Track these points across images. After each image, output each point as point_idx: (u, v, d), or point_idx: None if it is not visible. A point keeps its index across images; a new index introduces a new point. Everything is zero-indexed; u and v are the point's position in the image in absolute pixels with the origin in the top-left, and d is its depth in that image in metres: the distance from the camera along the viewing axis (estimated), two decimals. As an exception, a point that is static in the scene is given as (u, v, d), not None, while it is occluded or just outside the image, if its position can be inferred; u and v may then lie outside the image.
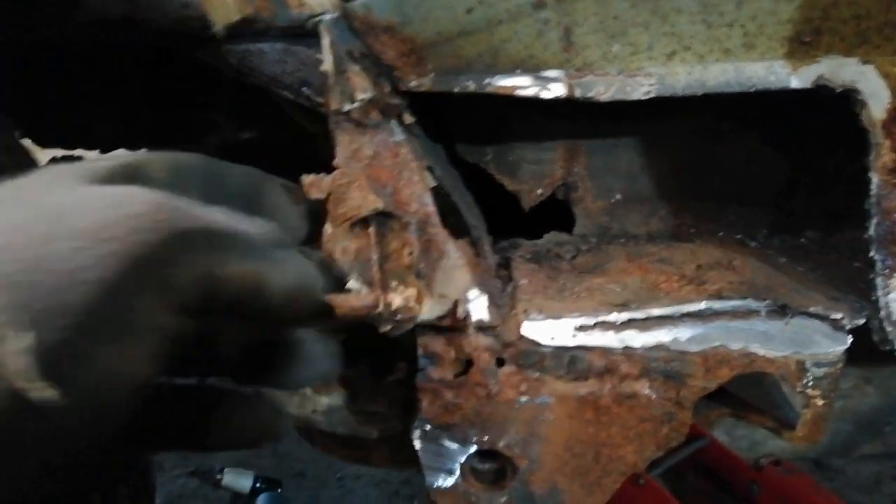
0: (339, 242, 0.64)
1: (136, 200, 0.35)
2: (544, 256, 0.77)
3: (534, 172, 0.78)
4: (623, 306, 0.65)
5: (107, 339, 0.34)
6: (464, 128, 0.79)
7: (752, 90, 0.63)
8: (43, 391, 0.31)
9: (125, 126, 1.70)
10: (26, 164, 0.81)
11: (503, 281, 0.71)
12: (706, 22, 0.61)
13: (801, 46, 0.62)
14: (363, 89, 0.61)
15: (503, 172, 0.79)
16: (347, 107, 0.61)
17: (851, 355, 0.66)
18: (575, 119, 0.76)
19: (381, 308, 0.62)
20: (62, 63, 1.46)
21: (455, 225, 0.71)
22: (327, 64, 0.60)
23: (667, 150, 0.78)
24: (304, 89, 1.15)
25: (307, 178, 0.64)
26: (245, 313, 0.40)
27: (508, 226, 0.82)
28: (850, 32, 0.61)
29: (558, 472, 0.68)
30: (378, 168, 0.64)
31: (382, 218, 0.63)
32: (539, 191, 0.79)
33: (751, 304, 0.65)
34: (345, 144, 0.64)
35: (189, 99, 1.67)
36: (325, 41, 0.60)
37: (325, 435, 0.77)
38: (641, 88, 0.63)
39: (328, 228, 0.65)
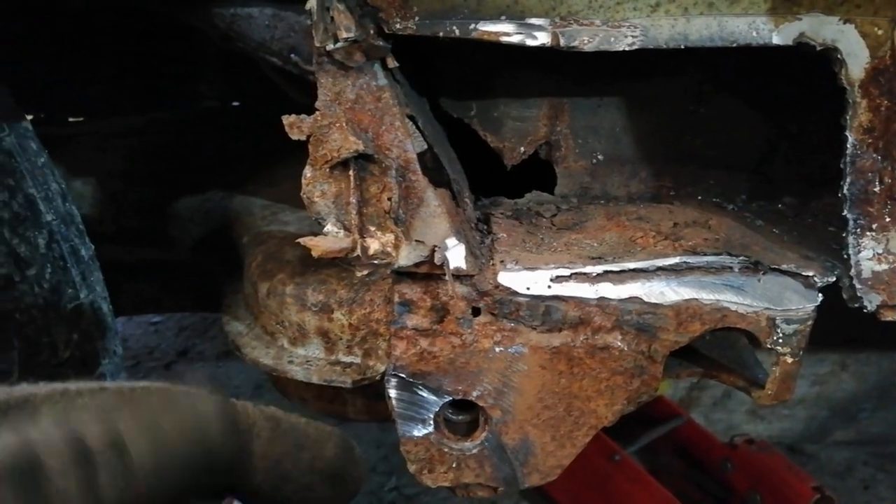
0: (319, 185, 0.64)
1: None
2: (524, 214, 0.77)
3: (517, 130, 0.78)
4: (599, 259, 0.66)
5: None
6: (449, 81, 0.79)
7: (734, 45, 0.63)
8: None
9: (115, 91, 1.68)
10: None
11: (482, 234, 0.71)
12: (691, -26, 0.61)
13: (784, 3, 0.62)
14: (347, 28, 0.60)
15: (487, 129, 0.79)
16: (331, 46, 0.61)
17: (827, 341, 0.67)
18: (560, 76, 0.76)
19: (357, 252, 0.63)
20: (54, 26, 1.44)
21: (436, 176, 0.71)
22: (312, 1, 0.60)
23: (649, 112, 0.79)
24: (292, 56, 1.15)
25: (288, 118, 0.64)
26: None
27: (492, 186, 0.82)
28: (832, -9, 0.61)
29: (530, 424, 0.68)
30: (360, 112, 0.64)
31: (363, 161, 0.63)
32: (522, 149, 0.79)
33: (725, 259, 0.65)
34: (327, 86, 0.63)
35: (176, 69, 1.66)
36: (310, -22, 0.59)
37: (300, 386, 0.77)
38: (625, 40, 0.63)
39: (308, 171, 0.64)
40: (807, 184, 0.79)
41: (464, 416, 0.70)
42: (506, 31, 0.63)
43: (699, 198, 0.80)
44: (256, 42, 1.19)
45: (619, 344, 0.65)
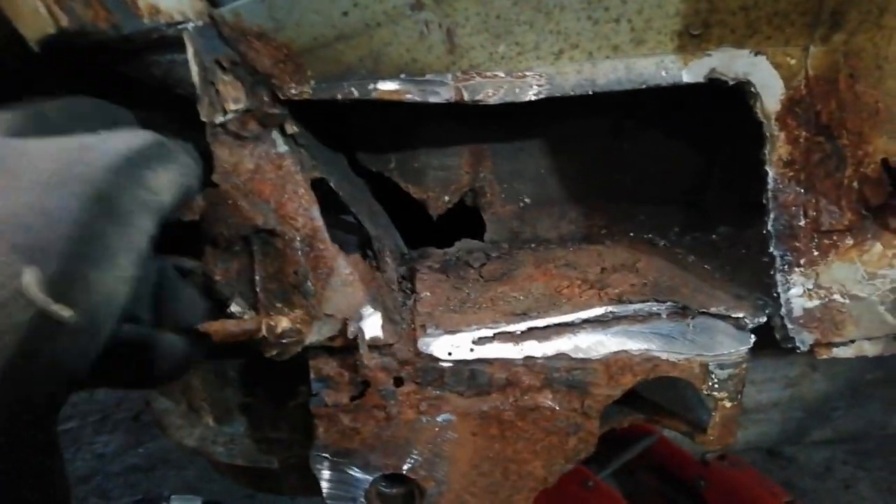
0: (220, 263, 0.61)
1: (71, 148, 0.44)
2: (453, 265, 0.74)
3: (440, 179, 0.76)
4: (522, 315, 0.63)
5: (96, 264, 0.41)
6: (365, 135, 0.76)
7: (643, 87, 0.61)
8: (62, 311, 0.38)
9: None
10: None
11: (405, 293, 0.68)
12: (592, 18, 0.59)
13: (692, 40, 0.60)
14: (235, 100, 0.58)
15: (409, 180, 0.76)
16: (220, 119, 0.58)
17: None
18: (478, 123, 0.74)
19: (264, 332, 0.59)
20: None
21: (352, 237, 0.68)
22: (194, 74, 0.57)
23: (571, 152, 0.76)
24: None
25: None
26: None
27: (428, 233, 0.79)
28: (740, 23, 0.59)
29: (467, 493, 0.65)
30: (260, 182, 0.60)
31: (265, 235, 0.59)
32: (446, 197, 0.76)
33: (652, 306, 0.63)
34: (223, 158, 0.60)
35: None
36: (190, 50, 0.56)
37: (230, 466, 0.73)
38: (531, 90, 0.61)
39: (208, 250, 0.61)
40: (741, 211, 0.77)
41: (398, 488, 0.67)
42: (406, 89, 0.60)
43: (631, 234, 0.77)
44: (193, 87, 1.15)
45: (550, 403, 0.62)
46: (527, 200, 0.77)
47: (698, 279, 0.67)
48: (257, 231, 0.58)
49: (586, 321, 0.62)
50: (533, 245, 0.77)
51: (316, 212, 0.61)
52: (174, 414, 0.77)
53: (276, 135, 0.61)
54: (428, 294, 0.67)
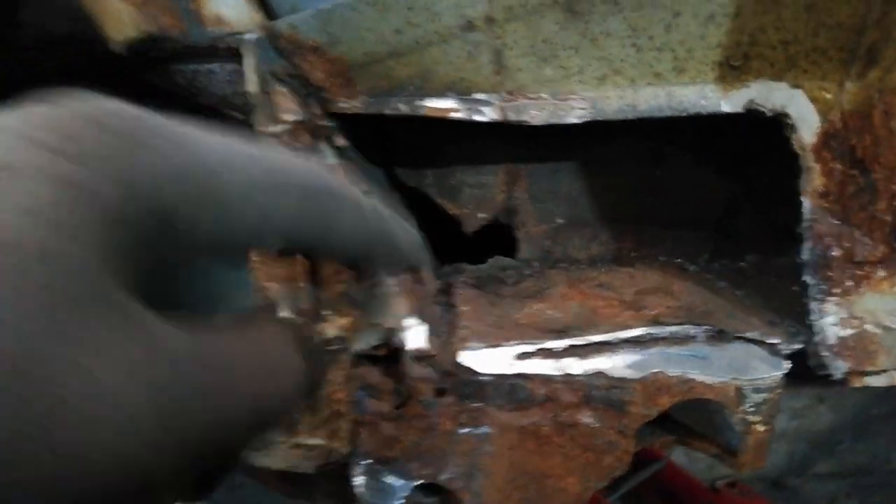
0: (268, 269, 0.62)
1: None
2: (487, 282, 0.75)
3: (475, 196, 0.77)
4: (562, 333, 0.64)
5: None
6: (405, 150, 0.78)
7: (683, 114, 0.63)
8: None
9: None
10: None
11: (443, 307, 0.70)
12: (636, 46, 0.61)
13: (732, 71, 0.62)
14: (289, 111, 0.60)
15: (444, 196, 0.78)
16: (273, 129, 0.59)
17: (803, 376, 0.66)
18: (515, 142, 0.76)
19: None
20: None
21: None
22: (251, 84, 0.58)
23: (607, 174, 0.78)
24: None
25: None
26: None
27: (456, 251, 0.80)
28: (779, 57, 0.61)
29: (500, 506, 0.66)
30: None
31: (313, 245, 0.61)
32: (480, 215, 0.78)
33: (689, 329, 0.64)
34: (275, 169, 0.62)
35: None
36: (248, 61, 0.58)
37: (264, 470, 0.74)
38: (574, 112, 0.63)
39: (255, 254, 0.62)
40: (770, 239, 0.79)
41: (433, 499, 0.67)
42: (453, 107, 0.62)
43: (661, 258, 0.79)
44: (218, 97, 1.18)
45: (589, 420, 0.63)
46: (560, 221, 0.79)
47: (731, 305, 0.68)
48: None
49: (625, 341, 0.63)
50: (564, 265, 0.78)
51: (363, 224, 0.62)
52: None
53: (325, 147, 0.63)
54: (466, 308, 0.68)
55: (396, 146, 0.77)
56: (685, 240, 0.80)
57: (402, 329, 0.62)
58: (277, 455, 0.72)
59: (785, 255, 0.78)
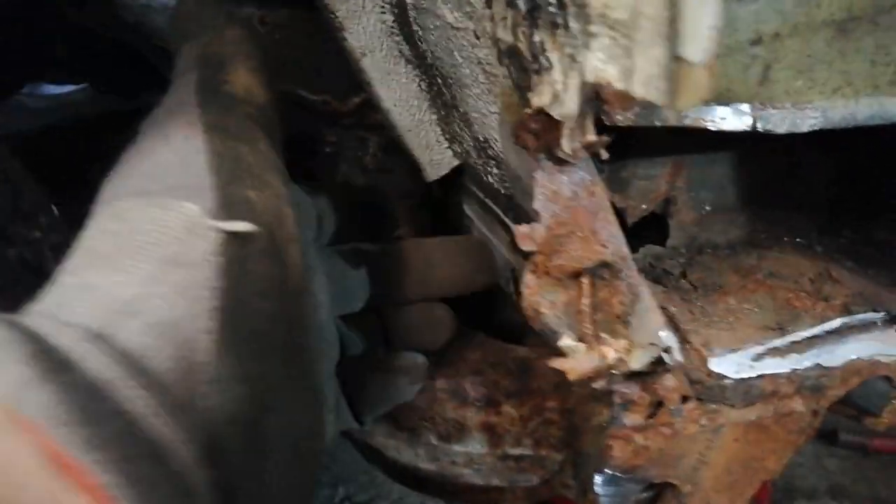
0: (546, 295, 0.58)
1: None
2: (652, 273, 0.77)
3: (642, 189, 0.77)
4: (779, 330, 0.68)
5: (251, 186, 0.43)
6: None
7: (888, 122, 0.67)
8: (240, 226, 0.39)
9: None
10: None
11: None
12: (873, 61, 0.63)
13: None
14: (590, 131, 0.54)
15: (614, 189, 0.76)
16: (571, 148, 0.54)
17: None
18: (685, 134, 0.76)
19: (611, 364, 0.58)
20: None
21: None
22: (571, 106, 0.52)
23: (751, 162, 0.82)
24: None
25: (521, 229, 0.56)
26: None
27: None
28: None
29: (713, 490, 0.71)
30: (576, 210, 0.58)
31: (596, 266, 0.58)
32: (644, 206, 0.78)
33: (872, 316, 0.72)
34: (543, 185, 0.56)
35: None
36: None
37: (471, 486, 0.71)
38: (807, 121, 0.64)
39: (531, 280, 0.58)
40: (864, 217, 0.88)
41: (649, 491, 0.70)
42: (719, 117, 0.61)
43: (784, 239, 0.85)
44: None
45: (800, 407, 0.70)
46: (707, 208, 0.81)
47: (876, 285, 0.77)
48: (602, 264, 0.57)
49: (829, 332, 0.69)
50: (709, 250, 0.82)
51: (622, 238, 0.60)
52: (377, 433, 0.72)
53: (590, 161, 0.58)
54: (675, 309, 0.70)
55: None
56: (797, 219, 0.87)
57: (661, 343, 0.62)
58: (490, 470, 0.70)
59: (877, 230, 0.88)
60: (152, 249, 0.35)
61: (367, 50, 0.80)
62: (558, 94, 0.54)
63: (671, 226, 0.81)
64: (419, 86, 0.84)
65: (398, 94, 0.84)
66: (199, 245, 0.36)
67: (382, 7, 0.79)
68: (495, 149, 0.72)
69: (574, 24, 0.45)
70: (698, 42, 0.33)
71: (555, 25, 0.49)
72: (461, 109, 0.76)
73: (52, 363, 0.28)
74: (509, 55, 0.59)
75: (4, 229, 0.48)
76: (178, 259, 0.35)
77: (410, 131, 0.85)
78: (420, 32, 0.76)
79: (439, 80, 0.79)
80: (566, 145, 0.54)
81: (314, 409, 0.43)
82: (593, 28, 0.41)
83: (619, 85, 0.40)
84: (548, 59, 0.53)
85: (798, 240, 0.86)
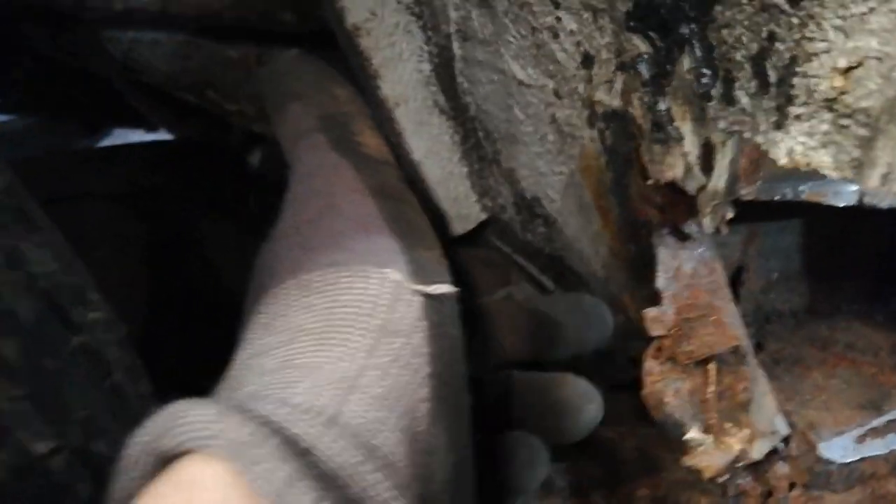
0: (672, 383, 0.54)
1: None
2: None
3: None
4: (877, 410, 0.66)
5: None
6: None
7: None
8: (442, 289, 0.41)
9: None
10: None
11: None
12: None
13: None
14: (731, 208, 0.51)
15: (689, 258, 0.73)
16: (715, 225, 0.51)
17: None
18: (762, 202, 0.74)
19: (738, 458, 0.54)
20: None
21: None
22: (719, 183, 0.49)
23: (817, 231, 0.81)
24: (208, 92, 0.95)
25: (650, 313, 0.52)
26: None
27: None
28: None
29: (809, 578, 0.67)
30: (696, 288, 0.54)
31: (727, 351, 0.54)
32: (718, 275, 0.75)
33: (953, 389, 0.71)
34: (666, 261, 0.53)
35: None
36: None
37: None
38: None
39: (654, 367, 0.53)
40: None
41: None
42: (825, 192, 0.59)
43: (842, 307, 0.84)
44: (163, 74, 0.96)
45: (893, 488, 0.67)
46: (775, 276, 0.80)
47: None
48: (734, 350, 0.53)
49: (919, 409, 0.68)
50: (772, 319, 0.80)
51: (740, 319, 0.57)
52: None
53: (711, 236, 0.55)
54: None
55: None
56: (852, 287, 0.86)
57: (780, 429, 0.58)
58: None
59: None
60: (365, 320, 0.34)
61: (402, 100, 0.75)
62: (691, 167, 0.51)
63: (741, 294, 0.78)
64: (451, 138, 0.80)
65: (430, 145, 0.80)
66: (408, 311, 0.36)
67: (420, 56, 0.74)
68: (548, 209, 0.68)
69: (749, 101, 0.42)
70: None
71: (699, 97, 0.46)
72: (505, 165, 0.73)
73: (300, 456, 0.28)
74: (610, 119, 0.56)
75: (69, 315, 0.41)
76: (391, 328, 0.34)
77: (440, 184, 0.81)
78: (465, 85, 0.72)
79: (480, 134, 0.75)
80: (709, 223, 0.50)
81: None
82: (800, 110, 0.38)
83: (832, 173, 0.36)
84: (677, 130, 0.50)
85: (856, 307, 0.85)
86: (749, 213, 0.72)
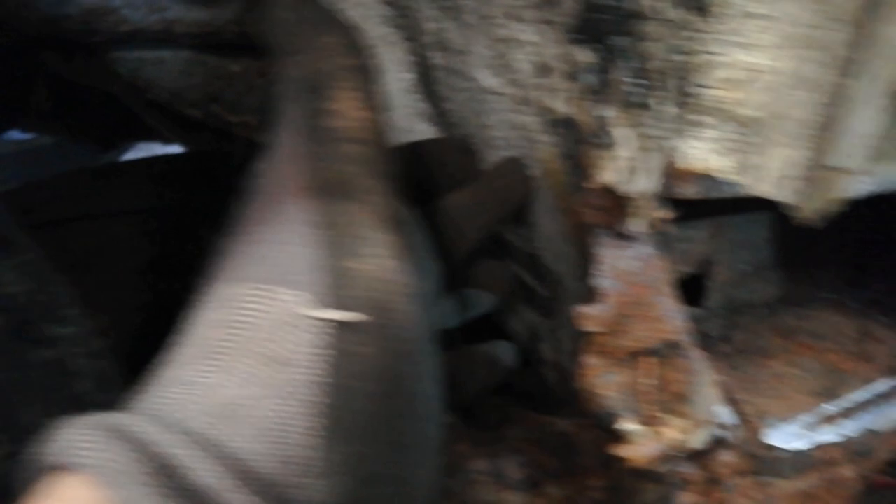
0: (606, 376, 0.57)
1: None
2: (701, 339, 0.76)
3: (682, 251, 0.76)
4: (829, 396, 0.68)
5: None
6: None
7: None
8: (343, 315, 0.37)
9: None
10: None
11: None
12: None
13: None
14: (661, 207, 0.54)
15: (654, 251, 0.75)
16: (641, 225, 0.54)
17: None
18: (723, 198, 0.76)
19: (674, 447, 0.57)
20: None
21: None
22: (647, 185, 0.52)
23: (787, 221, 0.81)
24: (213, 106, 0.99)
25: (586, 310, 0.55)
26: None
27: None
28: None
29: (765, 561, 0.70)
30: (636, 285, 0.57)
31: (662, 345, 0.57)
32: (683, 268, 0.77)
33: (917, 376, 0.72)
34: (608, 261, 0.56)
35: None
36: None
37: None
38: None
39: (590, 361, 0.56)
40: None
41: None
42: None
43: (818, 296, 0.85)
44: (169, 92, 1.00)
45: (850, 474, 0.69)
46: (745, 268, 0.81)
47: (915, 343, 0.77)
48: (669, 344, 0.56)
49: (879, 396, 0.69)
50: (746, 310, 0.81)
51: (680, 313, 0.59)
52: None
53: (653, 234, 0.58)
54: (725, 377, 0.69)
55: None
56: (827, 275, 0.87)
57: (721, 419, 0.61)
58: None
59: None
60: (255, 345, 0.34)
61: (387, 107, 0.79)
62: (622, 170, 0.53)
63: (710, 287, 0.80)
64: (436, 143, 0.83)
65: (414, 151, 0.83)
66: (303, 339, 0.34)
67: (403, 65, 0.78)
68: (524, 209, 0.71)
69: (666, 109, 0.45)
70: (851, 151, 0.32)
71: (632, 105, 0.49)
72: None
73: (171, 478, 0.28)
74: (563, 126, 0.59)
75: (39, 331, 0.45)
76: (281, 358, 0.33)
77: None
78: (446, 92, 0.75)
79: (460, 139, 0.78)
80: (635, 224, 0.53)
81: (426, 471, 0.40)
82: (703, 118, 0.40)
83: (732, 177, 0.39)
84: (612, 136, 0.53)
85: (831, 295, 0.86)
86: (715, 207, 0.75)
